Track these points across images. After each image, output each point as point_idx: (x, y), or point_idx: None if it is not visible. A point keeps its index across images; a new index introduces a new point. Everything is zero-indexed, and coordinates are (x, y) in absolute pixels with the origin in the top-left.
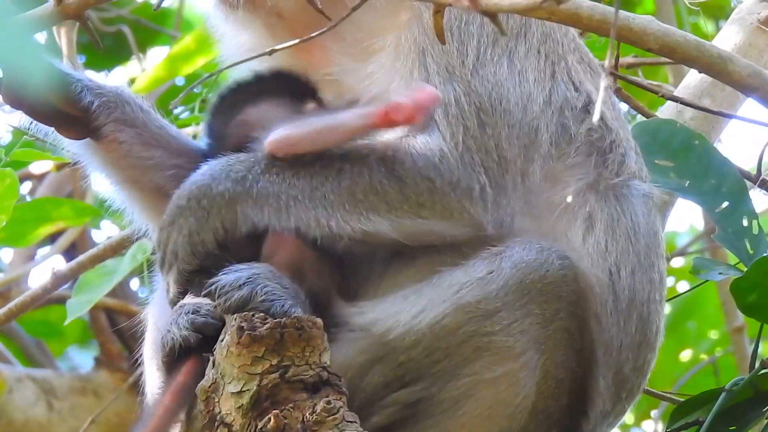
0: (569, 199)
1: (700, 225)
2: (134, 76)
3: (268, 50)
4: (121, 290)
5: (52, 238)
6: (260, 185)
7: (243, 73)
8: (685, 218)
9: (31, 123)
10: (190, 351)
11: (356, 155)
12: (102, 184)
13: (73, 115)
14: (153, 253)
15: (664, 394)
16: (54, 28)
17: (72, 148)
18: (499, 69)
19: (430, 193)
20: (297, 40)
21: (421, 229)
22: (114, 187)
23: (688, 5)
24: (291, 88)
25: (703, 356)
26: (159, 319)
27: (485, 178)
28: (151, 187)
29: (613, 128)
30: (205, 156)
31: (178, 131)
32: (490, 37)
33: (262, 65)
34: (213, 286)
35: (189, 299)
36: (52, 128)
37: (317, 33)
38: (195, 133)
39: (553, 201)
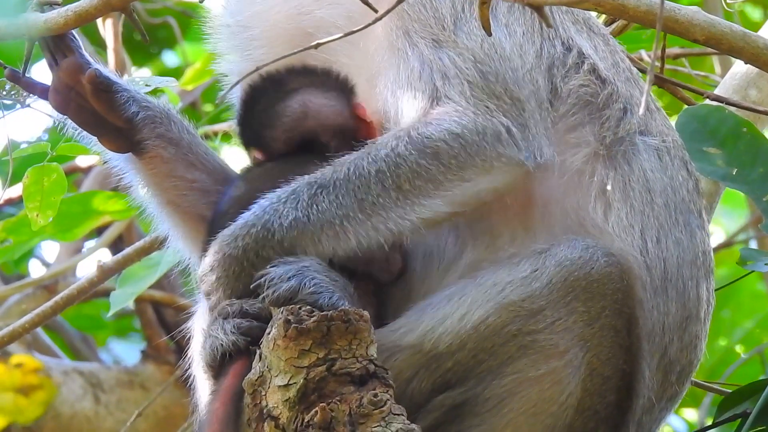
0: (609, 187)
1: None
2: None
3: (313, 44)
4: (168, 283)
5: (99, 231)
6: (312, 220)
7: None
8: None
9: (76, 131)
10: (236, 352)
11: (385, 150)
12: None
13: (117, 125)
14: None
15: (710, 384)
16: (99, 21)
17: (114, 161)
18: None
19: (464, 149)
20: (342, 34)
21: (471, 192)
22: (155, 209)
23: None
24: (334, 84)
25: (738, 346)
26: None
27: (506, 119)
28: (192, 213)
29: (609, 80)
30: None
31: (221, 158)
32: None
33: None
34: (262, 278)
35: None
36: (95, 138)
37: (366, 25)
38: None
39: (564, 165)
